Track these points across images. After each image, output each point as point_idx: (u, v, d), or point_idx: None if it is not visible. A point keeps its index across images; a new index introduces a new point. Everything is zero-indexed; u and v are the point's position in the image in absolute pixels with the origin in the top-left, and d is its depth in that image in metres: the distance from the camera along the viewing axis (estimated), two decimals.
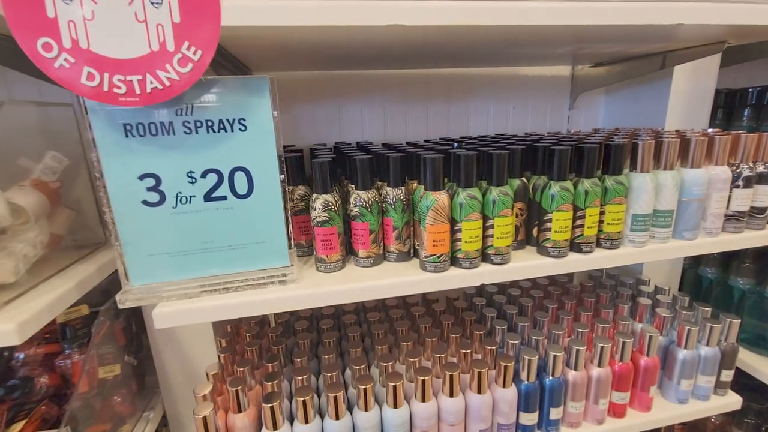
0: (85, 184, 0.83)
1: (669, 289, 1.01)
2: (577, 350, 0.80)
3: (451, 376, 0.73)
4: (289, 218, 0.63)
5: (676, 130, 0.91)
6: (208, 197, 0.59)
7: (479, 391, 0.75)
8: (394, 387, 0.71)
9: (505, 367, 0.76)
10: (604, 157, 0.71)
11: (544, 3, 0.56)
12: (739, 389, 0.93)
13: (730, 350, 0.88)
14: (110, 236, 0.58)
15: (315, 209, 0.65)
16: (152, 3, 0.47)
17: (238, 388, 0.70)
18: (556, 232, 0.69)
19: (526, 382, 0.78)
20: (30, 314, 0.56)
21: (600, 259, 0.72)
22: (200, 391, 0.71)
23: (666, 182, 0.72)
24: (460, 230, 0.65)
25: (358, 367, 0.76)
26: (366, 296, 0.64)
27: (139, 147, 0.55)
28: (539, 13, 0.56)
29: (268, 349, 0.87)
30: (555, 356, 0.78)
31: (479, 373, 0.74)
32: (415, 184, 0.72)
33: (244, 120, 0.58)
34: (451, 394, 0.74)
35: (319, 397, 0.78)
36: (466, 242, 0.65)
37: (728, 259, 1.08)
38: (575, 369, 0.80)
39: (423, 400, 0.73)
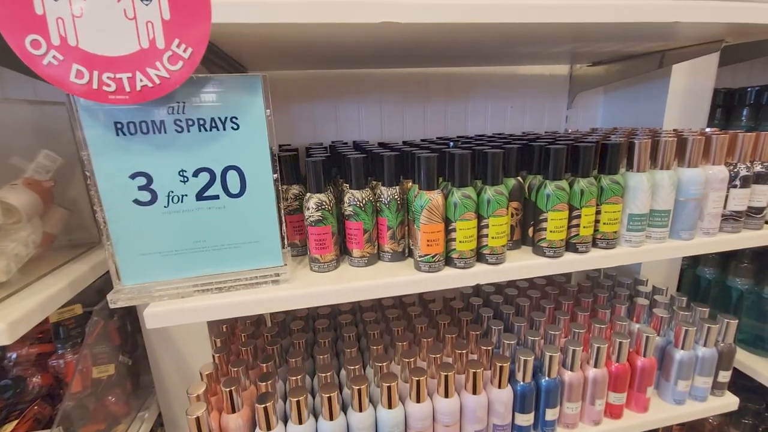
0: (81, 184, 0.82)
1: (667, 289, 1.00)
2: (574, 351, 0.79)
3: (446, 377, 0.73)
4: (283, 218, 0.63)
5: (674, 130, 0.91)
6: (200, 196, 0.59)
7: (474, 392, 0.75)
8: (389, 388, 0.71)
9: (501, 367, 0.75)
10: (600, 157, 0.70)
11: (541, 0, 0.56)
12: (737, 390, 0.93)
13: (727, 351, 0.88)
14: (102, 235, 0.57)
15: (308, 208, 0.64)
16: (141, 0, 0.47)
17: (232, 388, 0.70)
18: (551, 231, 0.68)
19: (521, 382, 0.78)
20: (21, 314, 0.56)
21: (596, 259, 0.71)
22: (194, 392, 0.71)
23: (663, 182, 0.71)
24: (454, 230, 0.64)
25: (352, 368, 0.76)
26: (360, 296, 0.64)
27: (131, 145, 0.55)
28: (536, 11, 0.55)
29: (263, 349, 0.87)
30: (551, 357, 0.78)
31: (474, 374, 0.74)
32: (410, 184, 0.72)
33: (236, 119, 0.58)
34: (446, 395, 0.74)
35: (314, 397, 0.78)
36: (460, 242, 0.65)
37: (726, 260, 1.07)
38: (571, 369, 0.80)
39: (418, 400, 0.73)
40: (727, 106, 1.16)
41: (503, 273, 0.68)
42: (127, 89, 0.49)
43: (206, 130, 0.57)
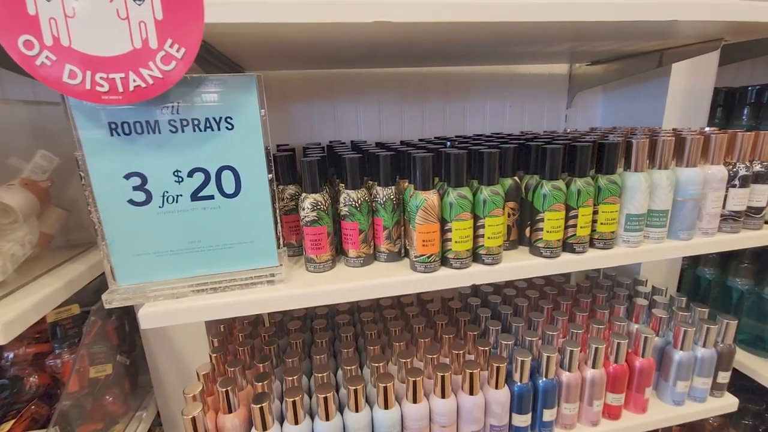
0: (79, 184, 0.82)
1: (666, 289, 0.99)
2: (571, 351, 0.79)
3: (443, 377, 0.73)
4: (278, 218, 0.63)
5: (673, 129, 0.90)
6: (195, 196, 0.59)
7: (471, 393, 0.75)
8: (385, 388, 0.71)
9: (498, 368, 0.75)
10: (598, 156, 0.70)
11: None
12: (737, 391, 0.92)
13: (727, 351, 0.87)
14: (97, 236, 0.58)
15: (304, 209, 0.64)
16: (134, 0, 0.46)
17: (228, 388, 0.70)
18: (548, 232, 0.68)
19: (518, 383, 0.78)
20: (16, 314, 0.56)
21: (593, 259, 0.71)
22: (190, 392, 0.71)
23: (661, 182, 0.71)
24: (450, 230, 0.64)
25: (349, 368, 0.76)
26: (355, 297, 0.64)
27: (125, 146, 0.55)
28: (530, 10, 0.55)
29: (260, 349, 0.87)
30: (548, 357, 0.78)
31: (471, 374, 0.74)
32: (406, 184, 0.72)
33: (231, 119, 0.57)
34: (443, 395, 0.74)
35: (310, 397, 0.78)
36: (456, 242, 0.64)
37: (727, 260, 1.07)
38: (569, 370, 0.80)
39: (414, 401, 0.73)
40: (727, 105, 1.16)
41: (499, 273, 0.67)
42: (120, 89, 0.49)
43: (201, 130, 0.57)
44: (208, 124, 0.57)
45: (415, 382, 0.72)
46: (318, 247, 0.66)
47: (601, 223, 0.71)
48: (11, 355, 0.73)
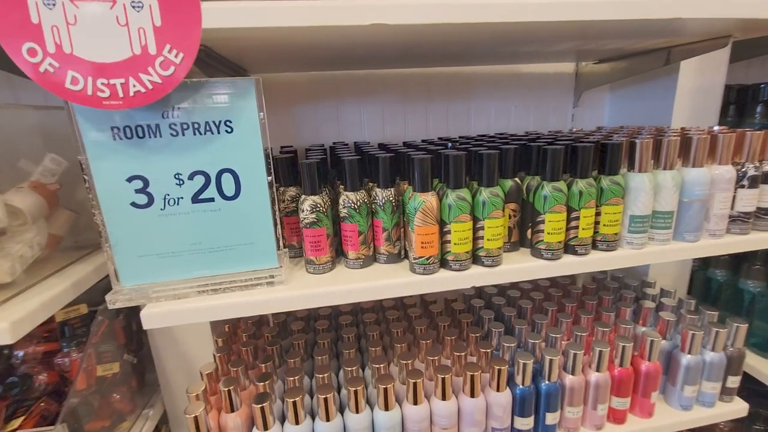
0: None
1: (675, 291, 0.98)
2: (575, 354, 0.78)
3: (443, 379, 0.72)
4: (278, 219, 0.63)
5: (681, 128, 0.88)
6: (195, 199, 0.60)
7: (472, 395, 0.74)
8: (385, 389, 0.71)
9: (499, 370, 0.74)
10: (600, 157, 0.69)
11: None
12: (748, 395, 0.90)
13: (737, 356, 0.85)
14: (101, 237, 0.59)
15: (303, 210, 0.65)
16: (133, 6, 0.47)
17: (230, 387, 0.71)
18: (549, 233, 0.67)
19: (521, 386, 0.77)
20: (23, 314, 0.58)
21: (596, 261, 0.70)
22: (193, 391, 0.72)
23: (665, 182, 0.69)
24: (449, 232, 0.64)
25: (350, 369, 0.76)
26: (354, 298, 0.64)
27: (127, 149, 0.56)
28: (529, 10, 0.54)
29: (263, 349, 0.88)
30: (551, 360, 0.77)
31: (472, 377, 0.73)
32: (406, 185, 0.72)
33: (230, 122, 0.58)
34: (444, 398, 0.73)
35: (312, 397, 0.78)
36: (455, 244, 0.64)
37: (738, 262, 1.04)
38: (572, 373, 0.79)
39: (415, 402, 0.73)
40: (740, 103, 1.13)
41: (499, 275, 0.67)
42: (121, 95, 0.50)
43: (201, 133, 0.58)
44: (208, 128, 0.58)
45: (415, 384, 0.72)
46: (317, 249, 0.66)
47: (604, 225, 0.70)
48: (21, 354, 0.75)
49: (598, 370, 0.79)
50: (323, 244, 0.66)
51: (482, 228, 0.65)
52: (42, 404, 0.72)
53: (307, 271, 0.68)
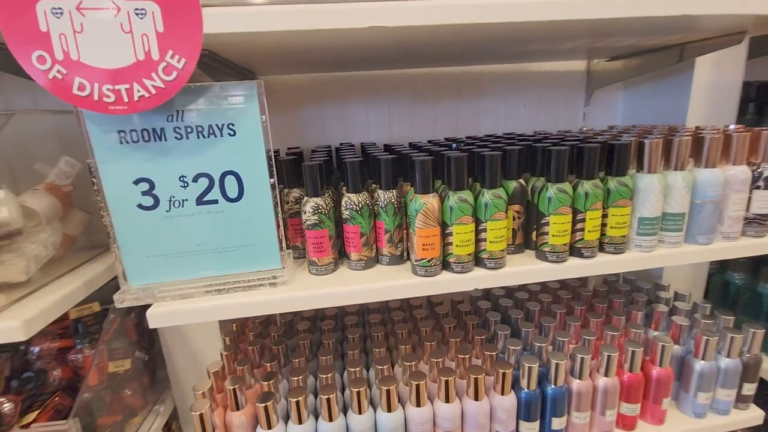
0: None
1: (690, 295, 0.95)
2: (582, 358, 0.76)
3: (447, 382, 0.72)
4: (281, 221, 0.64)
5: (696, 127, 0.86)
6: (199, 201, 0.61)
7: (476, 398, 0.74)
8: (388, 391, 0.71)
9: (503, 373, 0.73)
10: (607, 158, 0.67)
11: None
12: (764, 403, 0.87)
13: (753, 362, 0.82)
14: (109, 238, 0.60)
15: (305, 212, 0.65)
16: (137, 14, 0.49)
17: (235, 386, 0.72)
18: (554, 236, 0.66)
19: (526, 389, 0.76)
20: (36, 311, 0.60)
21: (603, 264, 0.69)
22: (199, 389, 0.73)
23: (676, 183, 0.67)
24: (451, 234, 0.63)
25: (354, 370, 0.76)
26: (356, 300, 0.64)
27: (133, 153, 0.58)
28: (529, 9, 0.54)
29: (270, 348, 0.89)
30: (557, 364, 0.75)
31: (476, 379, 0.73)
32: (409, 187, 0.71)
33: (233, 125, 0.59)
34: (447, 400, 0.73)
35: (316, 397, 0.79)
36: (457, 246, 0.64)
37: (757, 265, 1.01)
38: (580, 378, 0.77)
39: (418, 404, 0.72)
40: (760, 100, 1.09)
41: (503, 278, 0.66)
42: (126, 100, 0.51)
43: (204, 136, 0.59)
44: (211, 131, 0.59)
45: (418, 386, 0.71)
46: (320, 250, 0.67)
47: (612, 227, 0.68)
48: (37, 350, 0.78)
49: (606, 375, 0.78)
50: (325, 246, 0.66)
51: (484, 230, 0.64)
52: (56, 399, 0.75)
53: (309, 272, 0.69)
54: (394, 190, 0.66)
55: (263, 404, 0.69)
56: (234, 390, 0.72)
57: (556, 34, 0.69)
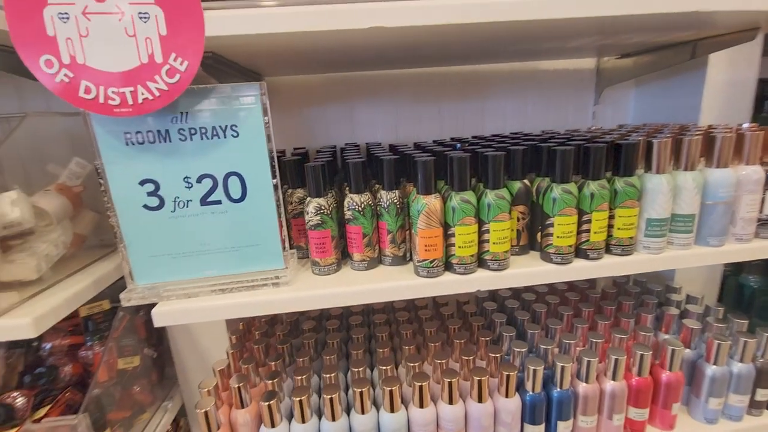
0: None
1: (702, 298, 0.93)
2: (588, 362, 0.75)
3: (450, 383, 0.72)
4: (284, 221, 0.64)
5: (708, 126, 0.84)
6: (203, 201, 0.62)
7: (480, 400, 0.73)
8: (390, 391, 0.71)
9: (507, 376, 0.73)
10: (614, 157, 0.66)
11: None
12: None
13: (767, 367, 0.80)
14: (116, 238, 0.62)
15: (308, 213, 0.65)
16: (140, 17, 0.49)
17: (240, 384, 0.73)
18: (558, 237, 0.65)
19: (531, 392, 0.75)
20: (46, 309, 0.61)
21: (609, 266, 0.67)
22: (205, 386, 0.74)
23: (686, 184, 0.66)
24: (453, 235, 0.63)
25: (357, 370, 0.76)
26: (358, 300, 0.64)
27: (139, 154, 0.59)
28: (528, 9, 0.53)
29: (275, 347, 0.89)
30: (563, 367, 0.74)
31: (479, 381, 0.72)
32: (412, 187, 0.71)
33: (235, 126, 0.60)
34: (450, 401, 0.73)
35: (319, 397, 0.79)
36: (459, 247, 0.63)
37: None
38: (586, 381, 0.76)
39: (421, 405, 0.72)
40: None
41: (506, 280, 0.65)
42: (130, 102, 0.52)
43: (208, 138, 0.59)
44: (214, 132, 0.59)
45: (421, 387, 0.71)
46: (322, 251, 0.67)
47: (618, 228, 0.67)
48: (49, 346, 0.80)
49: (614, 378, 0.76)
50: (328, 246, 0.67)
51: (487, 231, 0.64)
52: (67, 394, 0.77)
53: (312, 272, 0.69)
54: (396, 191, 0.66)
55: (267, 403, 0.70)
56: (239, 388, 0.73)
57: (561, 32, 0.68)
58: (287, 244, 0.66)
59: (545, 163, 0.69)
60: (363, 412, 0.72)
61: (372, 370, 0.85)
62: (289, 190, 0.73)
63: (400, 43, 0.67)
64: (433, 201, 0.62)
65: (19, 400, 0.73)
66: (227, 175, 0.61)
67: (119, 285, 0.81)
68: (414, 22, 0.51)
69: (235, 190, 0.62)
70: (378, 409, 0.74)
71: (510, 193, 0.65)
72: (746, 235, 0.70)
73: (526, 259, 0.70)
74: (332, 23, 0.50)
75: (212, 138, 0.60)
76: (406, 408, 0.74)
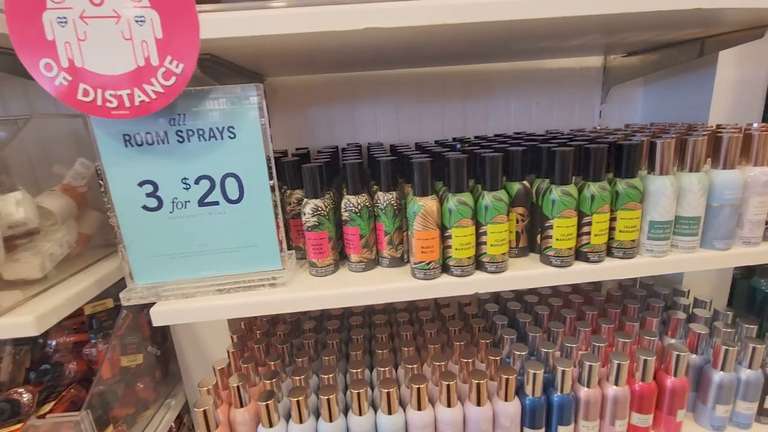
0: None
1: (710, 302, 0.90)
2: (590, 366, 0.74)
3: (448, 386, 0.71)
4: (281, 222, 0.64)
5: (717, 125, 0.81)
6: (201, 202, 0.62)
7: (478, 403, 0.72)
8: (388, 393, 0.71)
9: (507, 379, 0.72)
10: (616, 158, 0.65)
11: None
12: None
13: None
14: (116, 238, 0.63)
15: (305, 214, 0.66)
16: (137, 21, 0.50)
17: (239, 384, 0.73)
18: (558, 239, 0.64)
19: (530, 396, 0.74)
20: (49, 307, 0.62)
21: (611, 269, 0.66)
22: (204, 385, 0.75)
23: (690, 186, 0.64)
24: (450, 237, 0.62)
25: (356, 371, 0.76)
26: (354, 302, 0.64)
27: (138, 156, 0.59)
28: (527, 8, 0.52)
29: (276, 347, 0.90)
30: (563, 371, 0.73)
31: (478, 384, 0.71)
32: (409, 189, 0.71)
33: (233, 128, 0.60)
34: (449, 404, 0.72)
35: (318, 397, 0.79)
36: (456, 249, 0.63)
37: None
38: (588, 386, 0.75)
39: (418, 408, 0.72)
40: None
41: (504, 282, 0.65)
42: (127, 104, 0.52)
43: (205, 139, 0.60)
44: (212, 134, 0.60)
45: (418, 389, 0.71)
46: (319, 252, 0.67)
47: (620, 231, 0.65)
48: (54, 343, 0.82)
49: (616, 383, 0.75)
50: (325, 247, 0.67)
51: (485, 233, 0.63)
52: (72, 391, 0.78)
53: (310, 273, 0.69)
54: (393, 192, 0.66)
55: (264, 402, 0.70)
56: (238, 387, 0.73)
57: (557, 32, 0.67)
58: (285, 245, 0.66)
59: (545, 164, 0.68)
60: (360, 414, 0.72)
61: (372, 371, 0.85)
62: (288, 191, 0.73)
63: (398, 44, 0.66)
64: (429, 203, 0.61)
65: (25, 396, 0.74)
66: (225, 176, 0.62)
67: (122, 284, 0.83)
68: (408, 23, 0.51)
69: (233, 191, 0.62)
70: (376, 411, 0.73)
71: (508, 195, 0.64)
72: (754, 239, 0.68)
73: (525, 262, 0.69)
74: (326, 24, 0.50)
75: (210, 139, 0.60)
76: (404, 410, 0.73)
